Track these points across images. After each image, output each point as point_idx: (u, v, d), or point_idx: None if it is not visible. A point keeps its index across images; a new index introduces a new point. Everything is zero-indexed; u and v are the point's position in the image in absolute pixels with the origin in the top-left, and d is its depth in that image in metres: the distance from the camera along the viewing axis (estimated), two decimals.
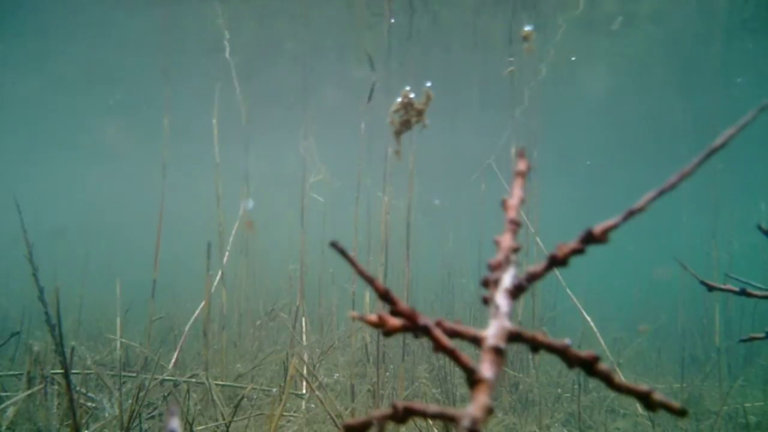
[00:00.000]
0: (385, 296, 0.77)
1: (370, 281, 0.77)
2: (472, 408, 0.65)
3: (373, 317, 0.78)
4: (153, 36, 12.49)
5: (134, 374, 5.17)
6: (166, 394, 4.89)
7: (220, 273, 6.38)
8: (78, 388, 4.44)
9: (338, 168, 9.02)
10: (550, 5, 10.72)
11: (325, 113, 17.11)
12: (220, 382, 5.46)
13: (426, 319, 0.76)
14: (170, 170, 6.00)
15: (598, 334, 6.18)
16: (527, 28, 8.98)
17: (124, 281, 5.43)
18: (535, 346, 0.75)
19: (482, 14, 11.24)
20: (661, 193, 0.76)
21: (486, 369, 0.69)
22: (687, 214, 10.65)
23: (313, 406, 5.21)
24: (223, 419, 4.09)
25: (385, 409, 0.70)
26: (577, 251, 0.79)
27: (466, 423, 0.64)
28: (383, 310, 0.79)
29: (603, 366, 0.72)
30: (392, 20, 10.29)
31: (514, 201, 0.89)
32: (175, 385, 5.07)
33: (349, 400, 5.30)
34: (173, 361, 5.82)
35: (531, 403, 6.07)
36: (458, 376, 6.02)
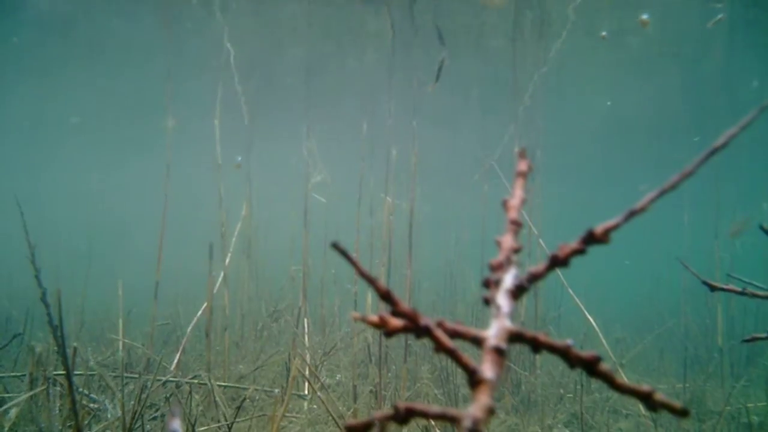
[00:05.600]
0: (386, 297, 0.77)
1: (371, 282, 0.77)
2: (474, 408, 0.65)
3: (374, 318, 0.78)
4: (155, 37, 12.51)
5: (137, 375, 5.17)
6: (168, 395, 4.90)
7: (222, 274, 6.38)
8: (80, 390, 4.45)
9: (341, 169, 9.01)
10: (553, 5, 10.73)
11: (328, 113, 17.12)
12: (223, 383, 5.46)
13: (427, 319, 0.76)
14: (173, 171, 6.00)
15: (600, 335, 6.17)
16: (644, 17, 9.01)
17: (127, 282, 5.44)
18: (537, 346, 0.75)
19: (483, 14, 11.25)
20: (662, 193, 0.76)
21: (487, 369, 0.69)
22: (689, 215, 10.64)
23: (315, 407, 5.21)
24: (226, 420, 4.09)
25: (387, 409, 0.70)
26: (579, 251, 0.79)
27: (467, 423, 0.64)
28: (385, 310, 0.79)
29: (605, 366, 0.72)
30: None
31: (515, 201, 0.89)
32: (178, 386, 5.08)
33: (352, 400, 5.30)
34: (175, 362, 5.82)
35: (533, 403, 6.06)
36: (460, 376, 6.02)
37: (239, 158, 6.21)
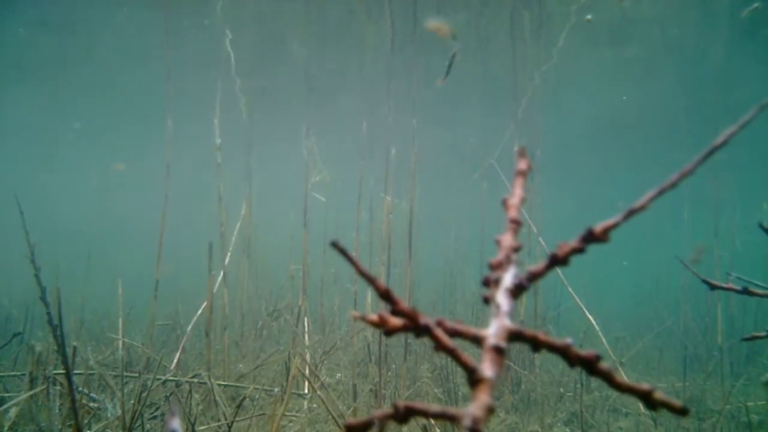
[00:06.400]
0: (386, 296, 0.77)
1: (371, 281, 0.77)
2: (474, 407, 0.65)
3: (374, 317, 0.78)
4: (154, 36, 12.50)
5: (137, 374, 5.17)
6: (168, 394, 4.90)
7: (222, 273, 6.38)
8: (80, 389, 4.45)
9: (340, 168, 9.00)
10: (553, 4, 10.72)
11: (328, 112, 17.12)
12: (223, 383, 5.46)
13: (427, 318, 0.76)
14: (173, 170, 6.00)
15: (600, 333, 6.17)
16: None
17: (127, 281, 5.44)
18: (536, 345, 0.75)
19: (484, 14, 11.24)
20: (661, 192, 0.76)
21: (487, 368, 0.69)
22: (689, 213, 10.65)
23: (315, 405, 5.21)
24: (225, 419, 4.09)
25: (386, 408, 0.70)
26: (578, 250, 0.79)
27: (467, 422, 0.64)
28: (385, 309, 0.79)
29: (604, 365, 0.72)
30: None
31: (515, 200, 0.88)
32: (178, 385, 5.08)
33: (351, 399, 5.30)
34: (175, 361, 5.82)
35: (533, 402, 6.07)
36: (460, 375, 6.02)
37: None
